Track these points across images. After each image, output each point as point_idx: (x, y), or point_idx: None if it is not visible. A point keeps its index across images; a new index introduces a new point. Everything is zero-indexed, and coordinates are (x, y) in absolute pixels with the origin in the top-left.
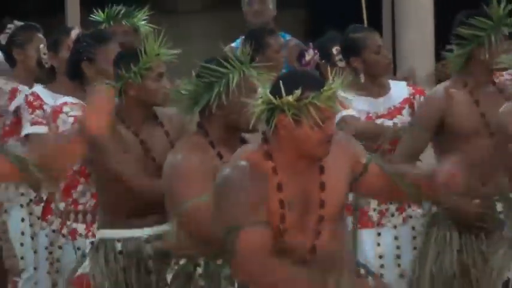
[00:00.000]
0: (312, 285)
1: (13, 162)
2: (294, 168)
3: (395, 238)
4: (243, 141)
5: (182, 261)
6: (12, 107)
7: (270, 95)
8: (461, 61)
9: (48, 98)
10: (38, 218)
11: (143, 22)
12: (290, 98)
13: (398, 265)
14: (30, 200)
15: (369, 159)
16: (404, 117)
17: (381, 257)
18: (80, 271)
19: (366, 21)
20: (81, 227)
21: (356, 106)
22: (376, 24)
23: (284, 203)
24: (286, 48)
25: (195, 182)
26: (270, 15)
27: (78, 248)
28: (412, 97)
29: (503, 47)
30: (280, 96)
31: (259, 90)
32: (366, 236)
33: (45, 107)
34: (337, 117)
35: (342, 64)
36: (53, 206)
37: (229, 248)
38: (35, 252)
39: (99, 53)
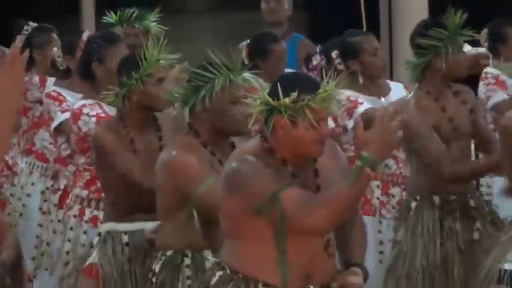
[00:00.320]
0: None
1: None
2: (294, 165)
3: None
4: (233, 147)
5: (169, 253)
6: (45, 92)
7: (268, 97)
8: (418, 71)
9: (67, 95)
10: (55, 205)
11: (153, 24)
12: (287, 100)
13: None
14: (47, 188)
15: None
16: None
17: (381, 242)
18: (89, 260)
19: (364, 24)
20: (102, 214)
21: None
22: (373, 27)
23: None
24: (299, 44)
25: (198, 171)
26: (285, 15)
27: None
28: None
29: (459, 56)
30: (278, 98)
31: (251, 96)
32: (367, 223)
33: (67, 102)
34: (355, 114)
35: (341, 67)
36: (71, 194)
37: (278, 211)
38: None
39: (108, 53)
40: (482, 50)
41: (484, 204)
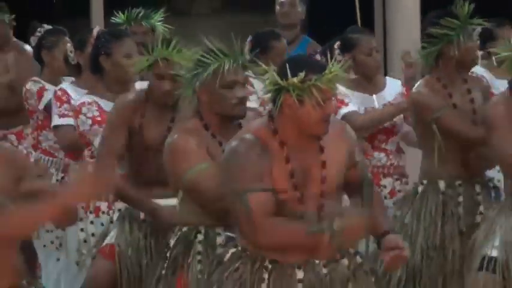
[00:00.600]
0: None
1: None
2: (296, 144)
3: None
4: (240, 127)
5: (185, 229)
6: (41, 106)
7: (276, 77)
8: (432, 58)
9: (74, 93)
10: None
11: (159, 23)
12: (295, 80)
13: None
14: (57, 180)
15: (359, 159)
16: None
17: None
18: (106, 241)
19: (359, 22)
20: (104, 205)
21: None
22: (368, 25)
23: (294, 173)
24: (308, 46)
25: (192, 155)
26: (298, 17)
27: (102, 224)
28: (401, 95)
29: (470, 43)
30: (287, 78)
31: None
32: None
33: (72, 101)
34: (338, 115)
35: (339, 58)
36: None
37: (240, 210)
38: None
39: (114, 47)
40: None
41: (491, 190)
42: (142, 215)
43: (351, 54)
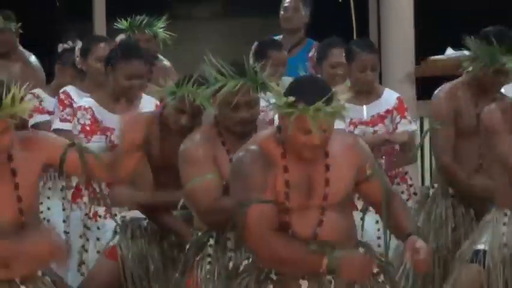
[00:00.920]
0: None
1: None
2: (300, 157)
3: (377, 222)
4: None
5: (200, 233)
6: (30, 123)
7: (277, 93)
8: (477, 68)
9: (77, 96)
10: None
11: (161, 30)
12: (283, 101)
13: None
14: (63, 186)
15: (374, 171)
16: (386, 126)
17: (379, 237)
18: (111, 244)
19: (354, 23)
20: (101, 210)
21: None
22: (363, 26)
23: (289, 183)
24: (312, 48)
25: (197, 165)
26: (301, 22)
27: (98, 228)
28: (394, 110)
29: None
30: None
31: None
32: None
33: (74, 105)
34: None
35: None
36: (84, 192)
37: (240, 222)
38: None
39: (120, 65)
40: (466, 52)
41: None
42: (144, 223)
43: (349, 65)
